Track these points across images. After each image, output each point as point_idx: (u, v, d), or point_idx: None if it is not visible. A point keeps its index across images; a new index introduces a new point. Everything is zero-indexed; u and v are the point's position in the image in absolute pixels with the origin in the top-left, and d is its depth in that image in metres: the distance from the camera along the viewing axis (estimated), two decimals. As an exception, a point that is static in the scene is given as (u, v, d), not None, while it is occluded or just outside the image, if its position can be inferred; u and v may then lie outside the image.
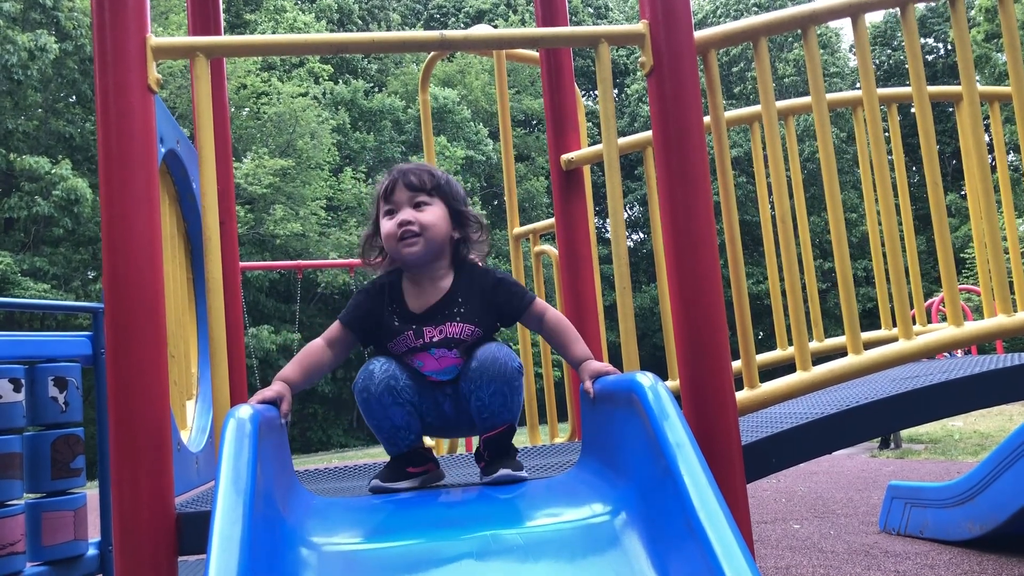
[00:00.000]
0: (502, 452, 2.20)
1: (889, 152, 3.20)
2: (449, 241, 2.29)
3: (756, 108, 3.61)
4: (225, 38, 2.47)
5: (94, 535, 3.50)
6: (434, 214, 2.24)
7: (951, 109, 5.13)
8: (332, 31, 32.60)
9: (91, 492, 3.48)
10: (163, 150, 2.68)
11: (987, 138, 3.14)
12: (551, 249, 4.05)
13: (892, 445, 10.03)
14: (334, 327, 2.27)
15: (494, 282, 2.29)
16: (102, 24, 2.16)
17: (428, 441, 3.56)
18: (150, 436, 2.09)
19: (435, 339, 2.22)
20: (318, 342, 2.26)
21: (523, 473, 2.17)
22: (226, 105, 3.58)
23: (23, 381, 3.21)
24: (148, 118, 2.18)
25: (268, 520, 1.58)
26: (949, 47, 38.15)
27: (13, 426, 3.14)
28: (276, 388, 2.07)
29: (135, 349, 2.09)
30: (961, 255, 20.87)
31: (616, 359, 3.00)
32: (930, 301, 11.67)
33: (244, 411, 1.70)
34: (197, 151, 2.30)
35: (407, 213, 2.22)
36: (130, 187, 2.13)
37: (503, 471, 2.15)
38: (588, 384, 2.16)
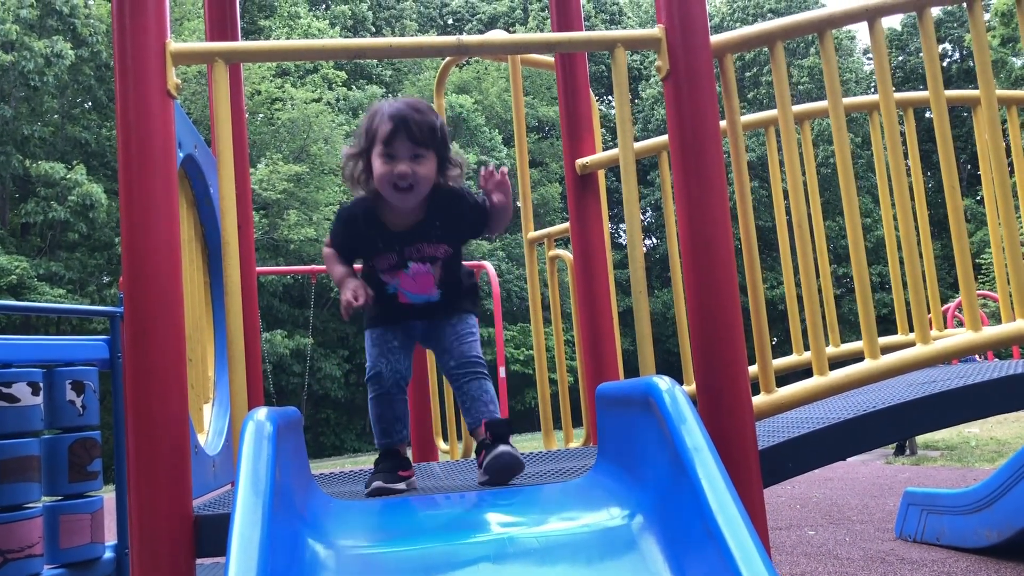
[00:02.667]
0: (504, 435, 2.39)
1: (905, 156, 3.18)
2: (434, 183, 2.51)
3: (772, 112, 3.60)
4: (244, 44, 2.49)
5: (111, 538, 3.51)
6: (428, 167, 2.43)
7: (966, 114, 5.11)
8: (346, 38, 32.74)
9: (107, 496, 3.50)
10: (181, 155, 2.70)
11: (1004, 142, 3.11)
12: (566, 254, 4.05)
13: (908, 451, 9.97)
14: (329, 251, 2.58)
15: (468, 206, 2.52)
16: (122, 29, 2.18)
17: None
18: (169, 439, 2.09)
19: (413, 256, 2.47)
20: (333, 251, 2.57)
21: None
22: (243, 110, 3.60)
23: (41, 384, 3.22)
24: (167, 123, 2.19)
25: (287, 521, 1.59)
26: (965, 51, 37.98)
27: (31, 429, 3.16)
28: (354, 283, 2.41)
29: (154, 352, 2.10)
30: (977, 260, 20.74)
31: (631, 363, 3.00)
32: (946, 306, 11.61)
33: (263, 413, 1.71)
34: (215, 156, 2.31)
35: (405, 165, 2.38)
36: (150, 192, 2.14)
37: (503, 447, 2.31)
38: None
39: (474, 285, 2.69)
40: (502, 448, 2.29)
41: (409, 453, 2.58)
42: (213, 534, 2.11)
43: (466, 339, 2.54)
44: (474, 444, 2.49)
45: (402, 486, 2.35)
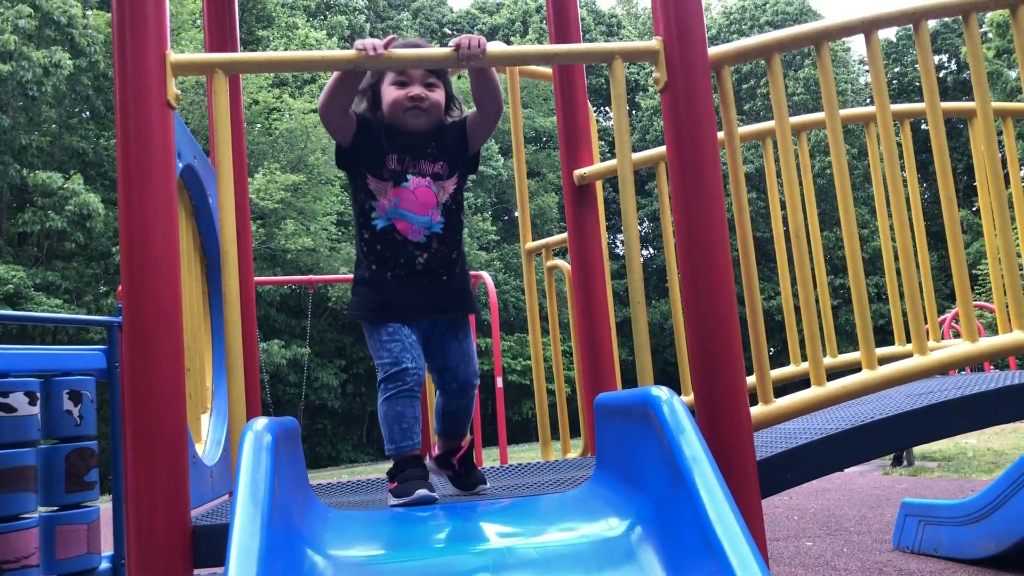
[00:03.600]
0: (472, 464, 2.56)
1: (902, 168, 3.20)
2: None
3: (769, 124, 3.61)
4: (243, 55, 2.50)
5: (107, 549, 3.50)
6: (440, 95, 2.53)
7: (962, 125, 5.13)
8: (344, 49, 32.80)
9: (104, 506, 3.49)
10: (181, 165, 2.71)
11: (1000, 154, 3.13)
12: (564, 264, 4.06)
13: (905, 462, 9.97)
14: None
15: (460, 126, 2.59)
16: (123, 40, 2.19)
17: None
18: (167, 449, 2.10)
19: (411, 170, 2.48)
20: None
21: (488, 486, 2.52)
22: (242, 121, 3.61)
23: (38, 394, 3.22)
24: (167, 133, 2.20)
25: (285, 532, 1.59)
26: (961, 62, 38.13)
27: (28, 439, 3.15)
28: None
29: (153, 362, 2.11)
30: (974, 271, 20.79)
31: (629, 373, 3.00)
32: (942, 318, 11.62)
33: (261, 424, 1.71)
34: (214, 166, 2.32)
35: (419, 89, 2.47)
36: (149, 202, 2.15)
37: (482, 486, 2.51)
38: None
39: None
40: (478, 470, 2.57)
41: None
42: (211, 544, 2.10)
43: (471, 361, 2.56)
44: (438, 442, 2.62)
45: (423, 493, 2.24)
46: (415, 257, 2.46)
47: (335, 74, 2.41)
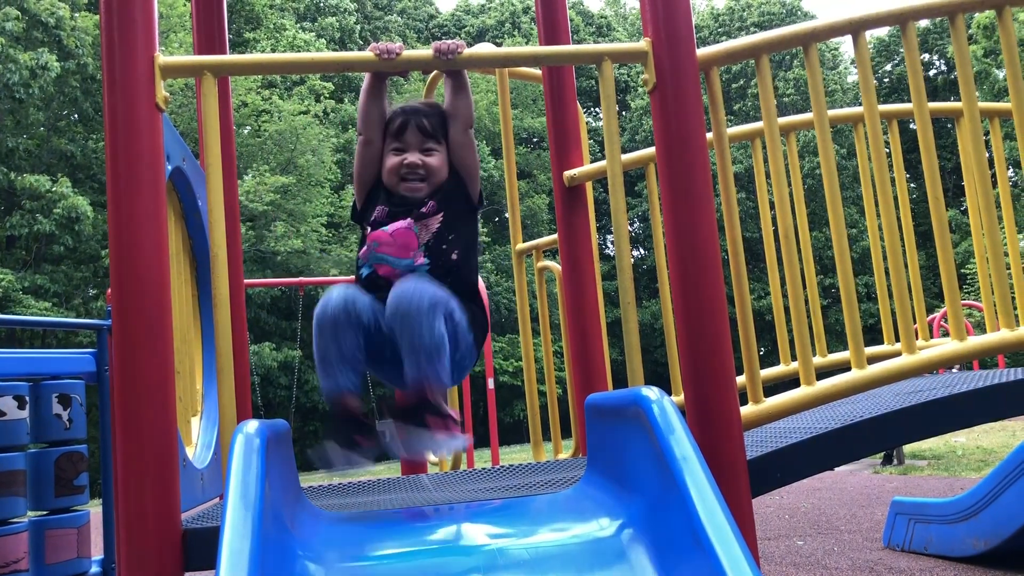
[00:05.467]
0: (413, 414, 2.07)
1: (890, 167, 3.21)
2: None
3: (758, 124, 3.63)
4: (232, 57, 2.49)
5: (97, 553, 3.49)
6: (439, 159, 2.42)
7: (950, 125, 5.16)
8: (334, 50, 32.79)
9: (94, 510, 3.48)
10: (170, 167, 2.70)
11: (987, 154, 3.15)
12: (554, 265, 4.06)
13: (895, 461, 10.00)
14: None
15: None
16: (111, 43, 2.18)
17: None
18: (157, 452, 2.09)
19: (396, 210, 2.36)
20: None
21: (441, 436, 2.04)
22: (231, 123, 3.60)
23: (27, 398, 3.21)
24: (156, 136, 2.20)
25: (276, 534, 1.58)
26: (949, 62, 38.30)
27: (17, 443, 3.14)
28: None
29: (142, 365, 2.10)
30: (962, 270, 20.88)
31: (620, 374, 3.01)
32: (931, 317, 11.67)
33: (252, 426, 1.71)
34: (204, 168, 2.31)
35: (416, 156, 2.39)
36: (138, 204, 2.14)
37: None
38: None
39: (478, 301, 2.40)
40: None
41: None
42: (202, 548, 2.10)
43: (408, 282, 2.17)
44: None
45: (356, 456, 2.07)
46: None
47: (364, 88, 2.45)
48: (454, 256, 2.34)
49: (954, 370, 9.54)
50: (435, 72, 4.94)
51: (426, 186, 2.38)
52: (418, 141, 2.40)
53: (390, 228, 2.34)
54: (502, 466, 3.30)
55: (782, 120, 3.62)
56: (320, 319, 2.14)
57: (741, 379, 2.82)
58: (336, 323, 2.11)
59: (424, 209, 2.36)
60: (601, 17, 43.55)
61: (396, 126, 2.42)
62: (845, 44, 42.82)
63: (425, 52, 2.39)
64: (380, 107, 2.45)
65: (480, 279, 2.58)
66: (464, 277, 2.35)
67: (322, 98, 31.98)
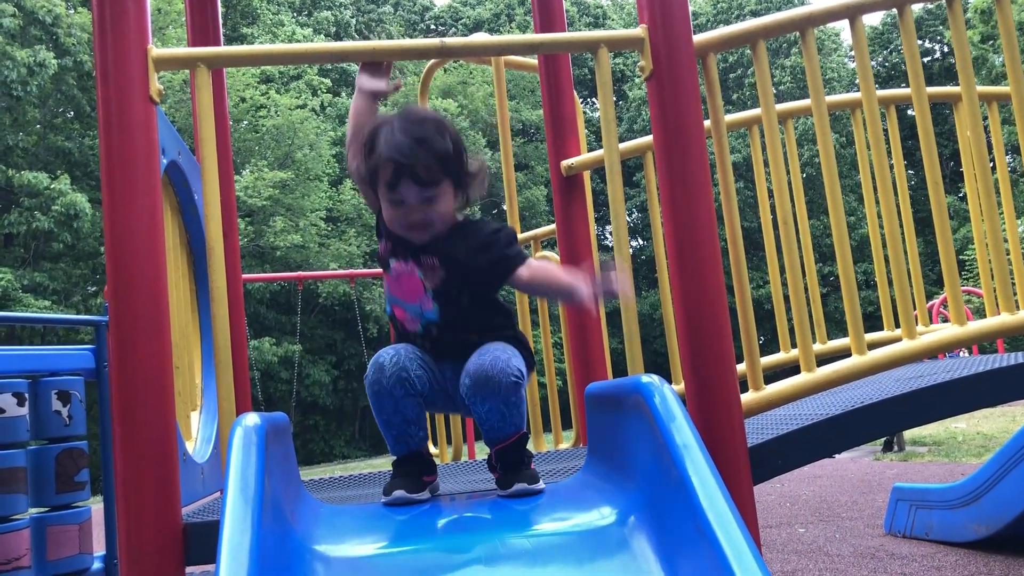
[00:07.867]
0: (515, 464, 2.10)
1: (889, 154, 3.20)
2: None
3: (755, 112, 3.61)
4: (226, 48, 2.48)
5: (99, 549, 3.49)
6: (444, 203, 2.12)
7: (948, 111, 5.14)
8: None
9: (95, 506, 3.48)
10: (165, 161, 2.69)
11: (986, 138, 3.14)
12: (552, 255, 4.05)
13: (896, 448, 10.01)
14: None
15: (480, 244, 2.15)
16: (103, 35, 2.17)
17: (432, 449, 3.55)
18: (156, 447, 2.09)
19: (399, 252, 2.17)
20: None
21: (539, 485, 2.07)
22: (227, 117, 3.59)
23: (27, 395, 3.20)
24: (150, 129, 2.18)
25: (276, 528, 1.58)
26: (946, 48, 38.24)
27: (17, 440, 3.14)
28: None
29: (140, 361, 2.09)
30: (961, 256, 20.87)
31: (620, 363, 3.00)
32: (931, 303, 11.67)
33: (251, 419, 1.70)
34: (199, 162, 2.30)
35: (417, 213, 2.08)
36: (133, 198, 2.13)
37: (518, 486, 2.05)
38: (605, 288, 2.06)
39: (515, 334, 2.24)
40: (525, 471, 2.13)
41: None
42: (202, 542, 2.10)
43: (488, 352, 2.12)
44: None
45: (423, 496, 2.08)
46: (422, 345, 2.18)
47: (353, 109, 2.32)
48: (463, 300, 2.16)
49: (963, 354, 9.56)
50: (432, 62, 4.92)
51: (430, 232, 2.12)
52: (416, 192, 2.06)
53: (394, 271, 2.19)
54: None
55: (780, 107, 3.61)
56: (376, 391, 2.07)
57: (741, 367, 2.82)
58: (394, 396, 2.07)
59: (430, 261, 2.14)
60: (597, 7, 43.44)
61: (389, 176, 2.06)
62: (844, 32, 42.72)
63: (423, 42, 2.37)
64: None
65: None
66: (487, 322, 2.20)
67: (319, 92, 31.94)
